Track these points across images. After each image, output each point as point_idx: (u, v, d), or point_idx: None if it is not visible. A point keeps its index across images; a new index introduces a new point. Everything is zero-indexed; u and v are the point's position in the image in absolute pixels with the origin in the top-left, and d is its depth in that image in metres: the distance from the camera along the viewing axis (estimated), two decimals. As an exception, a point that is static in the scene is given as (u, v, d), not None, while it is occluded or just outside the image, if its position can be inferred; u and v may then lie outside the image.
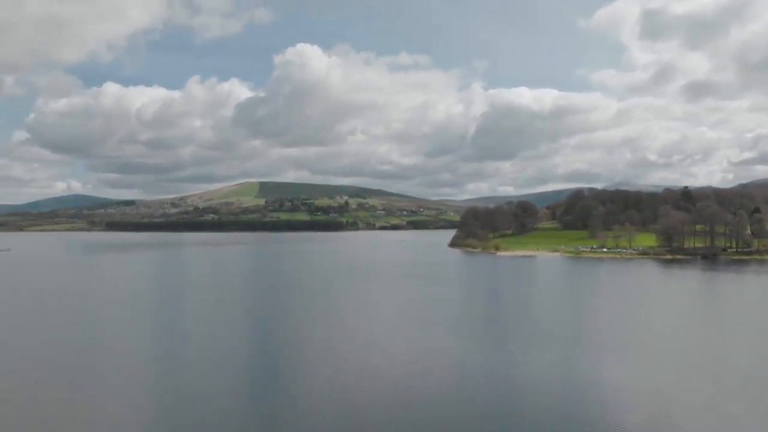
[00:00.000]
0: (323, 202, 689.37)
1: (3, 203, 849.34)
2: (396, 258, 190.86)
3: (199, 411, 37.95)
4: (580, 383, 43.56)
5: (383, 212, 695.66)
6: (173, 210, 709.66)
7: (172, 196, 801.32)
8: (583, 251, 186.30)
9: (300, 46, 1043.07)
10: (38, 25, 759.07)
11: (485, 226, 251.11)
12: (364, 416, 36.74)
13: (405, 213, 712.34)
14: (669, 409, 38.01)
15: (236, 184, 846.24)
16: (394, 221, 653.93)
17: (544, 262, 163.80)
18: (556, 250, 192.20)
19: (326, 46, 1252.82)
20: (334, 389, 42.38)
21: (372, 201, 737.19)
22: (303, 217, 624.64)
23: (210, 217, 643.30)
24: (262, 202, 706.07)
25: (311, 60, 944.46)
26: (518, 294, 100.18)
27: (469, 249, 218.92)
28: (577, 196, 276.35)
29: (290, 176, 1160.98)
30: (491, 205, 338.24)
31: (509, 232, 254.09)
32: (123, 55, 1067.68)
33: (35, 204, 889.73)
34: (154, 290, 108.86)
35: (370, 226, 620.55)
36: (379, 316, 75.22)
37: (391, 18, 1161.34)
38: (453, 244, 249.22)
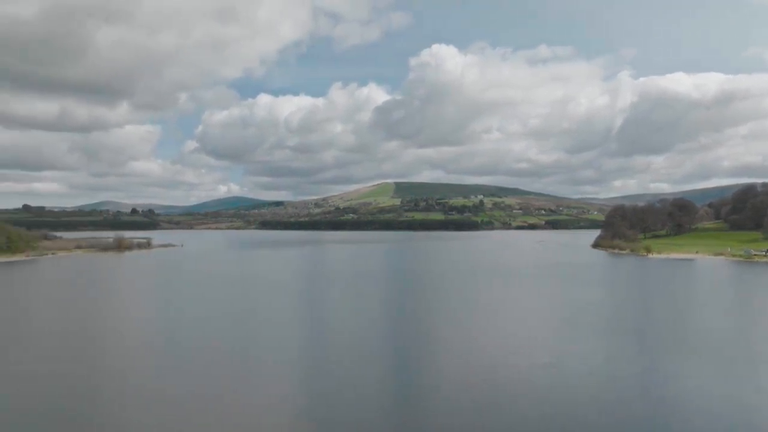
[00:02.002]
0: (458, 201, 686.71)
1: (177, 204, 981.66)
2: (534, 258, 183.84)
3: (331, 403, 40.11)
4: (748, 407, 38.37)
5: (520, 211, 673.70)
6: (316, 210, 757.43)
7: (315, 197, 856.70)
8: (755, 255, 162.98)
9: (435, 47, 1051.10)
10: (204, 47, 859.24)
11: (634, 225, 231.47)
12: (496, 416, 36.05)
13: (543, 212, 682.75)
14: None
15: (373, 185, 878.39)
16: (532, 221, 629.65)
17: (706, 266, 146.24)
18: (720, 254, 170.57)
19: (462, 45, 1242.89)
20: (466, 387, 42.11)
21: (508, 200, 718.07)
22: (437, 216, 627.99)
23: (349, 216, 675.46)
24: (397, 202, 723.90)
25: (446, 60, 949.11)
26: (673, 300, 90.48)
27: (616, 250, 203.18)
28: (747, 191, 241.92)
29: (425, 176, 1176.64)
30: (641, 204, 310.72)
31: (662, 232, 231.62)
32: (274, 68, 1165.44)
33: (203, 205, 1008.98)
34: (302, 282, 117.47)
35: (506, 226, 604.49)
36: (517, 317, 73.09)
37: (530, 11, 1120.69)
38: (596, 245, 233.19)
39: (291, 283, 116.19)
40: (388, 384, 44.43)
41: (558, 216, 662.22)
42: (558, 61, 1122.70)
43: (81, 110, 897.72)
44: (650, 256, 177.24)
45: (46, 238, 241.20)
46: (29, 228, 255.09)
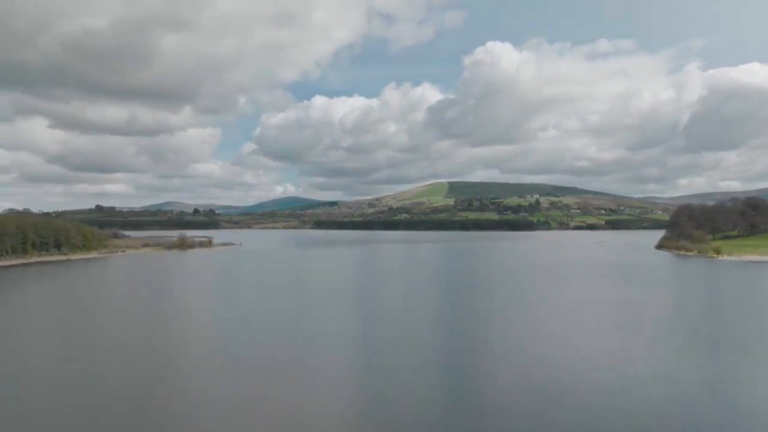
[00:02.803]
0: (513, 201, 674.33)
1: (237, 205, 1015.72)
2: (594, 259, 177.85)
3: (387, 399, 40.40)
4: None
5: (578, 211, 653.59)
6: (370, 210, 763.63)
7: (369, 197, 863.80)
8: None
9: (490, 44, 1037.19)
10: (262, 51, 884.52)
11: (702, 226, 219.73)
12: (553, 421, 35.23)
13: (603, 212, 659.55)
14: None
15: (426, 185, 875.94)
16: (591, 221, 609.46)
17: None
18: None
19: (517, 41, 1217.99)
20: (522, 390, 41.35)
21: (566, 199, 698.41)
22: (492, 216, 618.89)
23: (402, 216, 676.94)
24: (451, 201, 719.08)
25: (501, 58, 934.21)
26: (745, 305, 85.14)
27: (681, 252, 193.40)
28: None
29: (479, 176, 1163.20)
30: (710, 203, 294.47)
31: (734, 233, 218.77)
32: (329, 70, 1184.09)
33: (260, 205, 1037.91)
34: (357, 280, 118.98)
35: (564, 226, 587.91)
36: (575, 318, 71.03)
37: (589, 5, 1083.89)
38: (660, 245, 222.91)
39: (346, 282, 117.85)
40: (443, 384, 44.31)
41: (619, 216, 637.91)
42: (619, 55, 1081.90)
43: (147, 115, 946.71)
44: (720, 258, 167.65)
45: (116, 236, 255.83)
46: (101, 227, 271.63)
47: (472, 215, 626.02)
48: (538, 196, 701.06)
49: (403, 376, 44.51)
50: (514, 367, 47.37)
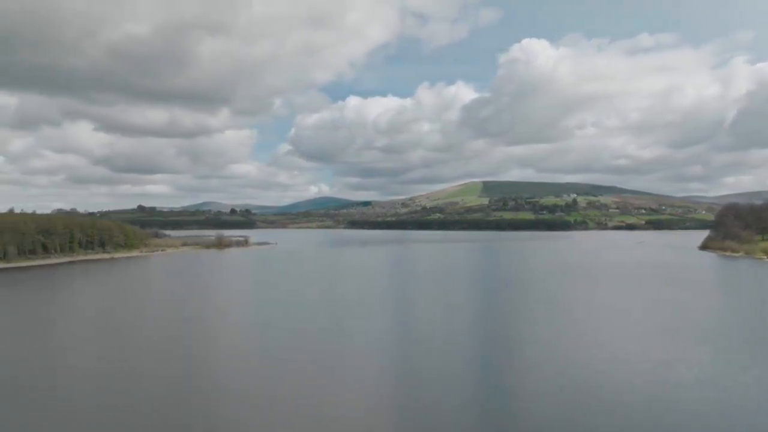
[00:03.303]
0: (549, 200, 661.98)
1: (272, 205, 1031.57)
2: (634, 260, 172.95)
3: (420, 401, 40.22)
4: None
5: (617, 211, 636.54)
6: (403, 210, 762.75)
7: (402, 197, 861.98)
8: None
9: (525, 41, 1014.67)
10: (297, 53, 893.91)
11: (750, 226, 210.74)
12: (587, 423, 34.41)
13: (643, 211, 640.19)
14: None
15: (460, 184, 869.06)
16: (630, 221, 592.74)
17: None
18: None
19: (554, 38, 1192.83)
20: (559, 393, 40.61)
21: (604, 199, 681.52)
22: (527, 216, 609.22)
23: (436, 216, 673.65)
24: (485, 201, 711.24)
25: (537, 55, 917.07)
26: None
27: (727, 253, 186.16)
28: None
29: (514, 175, 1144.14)
30: (757, 202, 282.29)
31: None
32: (363, 71, 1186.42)
33: (295, 205, 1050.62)
34: (392, 279, 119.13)
35: (602, 226, 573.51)
36: (613, 320, 69.25)
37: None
38: (705, 246, 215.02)
39: (380, 281, 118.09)
40: (477, 388, 43.88)
41: (660, 215, 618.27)
42: (661, 49, 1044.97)
43: (187, 117, 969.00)
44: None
45: (156, 236, 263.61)
46: (142, 227, 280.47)
47: (507, 215, 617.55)
48: (575, 195, 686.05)
49: (437, 378, 44.27)
50: (548, 370, 46.49)
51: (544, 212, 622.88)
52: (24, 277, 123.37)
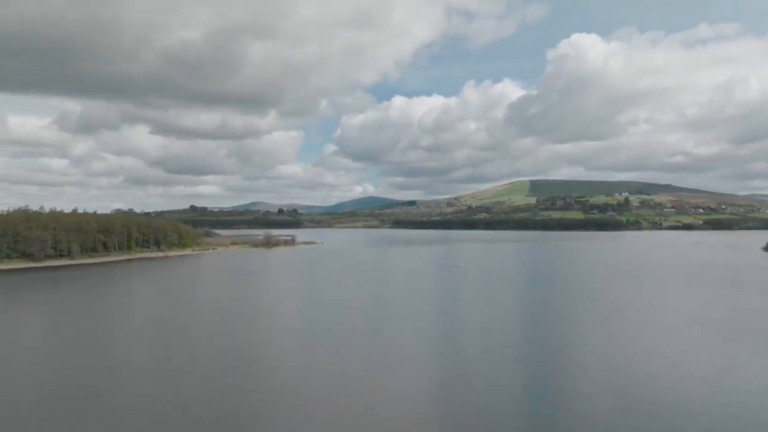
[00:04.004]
0: (599, 199, 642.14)
1: (318, 204, 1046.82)
2: (691, 261, 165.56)
3: (467, 402, 39.85)
4: None
5: (672, 210, 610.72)
6: (448, 209, 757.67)
7: (447, 196, 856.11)
8: None
9: (575, 37, 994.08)
10: (343, 54, 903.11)
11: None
12: (636, 427, 33.17)
13: (701, 211, 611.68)
14: None
15: (507, 183, 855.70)
16: (687, 220, 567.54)
17: None
18: None
19: (605, 32, 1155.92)
20: (611, 396, 39.39)
21: (658, 198, 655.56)
22: (577, 215, 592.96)
23: (482, 215, 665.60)
24: (533, 200, 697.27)
25: (587, 50, 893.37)
26: None
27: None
28: None
29: (563, 173, 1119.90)
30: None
31: None
32: (408, 70, 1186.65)
33: (340, 205, 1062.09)
34: (438, 279, 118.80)
35: (656, 226, 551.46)
36: (669, 323, 66.52)
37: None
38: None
39: (425, 280, 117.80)
40: (525, 389, 43.15)
41: (720, 215, 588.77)
42: (721, 40, 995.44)
43: (237, 120, 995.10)
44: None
45: (207, 235, 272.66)
46: (195, 226, 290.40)
47: (556, 214, 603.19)
48: (627, 194, 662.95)
49: (484, 382, 43.81)
50: (603, 374, 45.20)
51: (595, 212, 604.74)
52: (85, 274, 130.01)
